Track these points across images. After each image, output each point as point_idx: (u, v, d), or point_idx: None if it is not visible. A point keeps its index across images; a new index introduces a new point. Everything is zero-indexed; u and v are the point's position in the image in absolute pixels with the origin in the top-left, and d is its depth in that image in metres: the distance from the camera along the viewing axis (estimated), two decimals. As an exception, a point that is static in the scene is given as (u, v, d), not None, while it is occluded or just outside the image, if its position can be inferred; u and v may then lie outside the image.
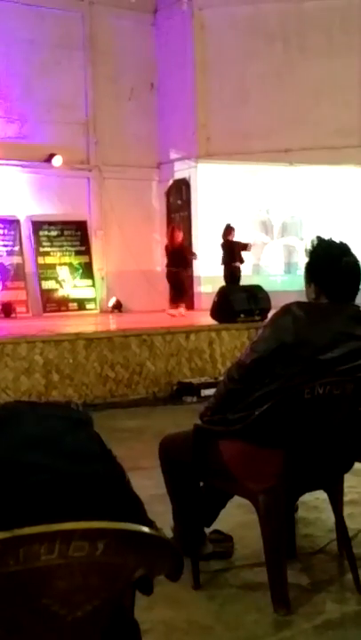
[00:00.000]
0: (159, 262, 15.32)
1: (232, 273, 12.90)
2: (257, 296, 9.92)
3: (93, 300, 14.79)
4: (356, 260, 3.30)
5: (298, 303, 3.27)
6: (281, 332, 3.16)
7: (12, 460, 1.42)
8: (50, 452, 1.45)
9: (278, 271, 14.68)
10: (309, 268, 3.33)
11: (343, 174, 14.84)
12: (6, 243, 14.25)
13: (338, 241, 3.32)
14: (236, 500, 3.67)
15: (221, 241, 13.07)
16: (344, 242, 3.33)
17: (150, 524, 1.52)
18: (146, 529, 1.43)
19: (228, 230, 13.00)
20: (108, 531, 1.37)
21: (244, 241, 13.22)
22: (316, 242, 3.33)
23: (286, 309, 3.24)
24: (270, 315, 3.41)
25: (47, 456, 1.44)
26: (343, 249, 3.31)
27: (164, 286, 15.16)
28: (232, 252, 12.93)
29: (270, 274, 14.65)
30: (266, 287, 10.63)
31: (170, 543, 1.49)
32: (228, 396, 3.29)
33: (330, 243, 3.32)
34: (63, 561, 1.34)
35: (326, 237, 3.34)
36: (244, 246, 13.12)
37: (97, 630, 1.46)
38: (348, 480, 4.47)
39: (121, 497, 1.49)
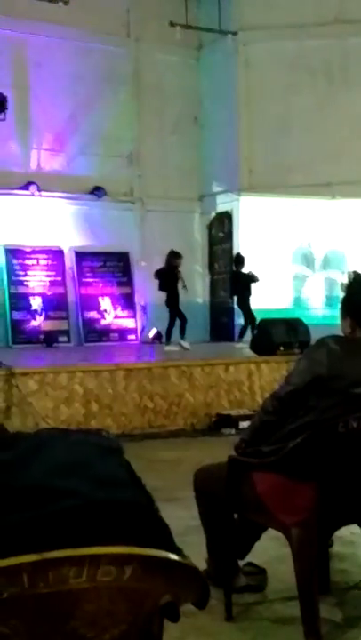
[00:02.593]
0: (200, 294, 15.38)
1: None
2: (297, 329, 9.92)
3: (134, 330, 14.88)
4: (391, 295, 3.32)
5: (333, 337, 3.30)
6: (316, 365, 3.18)
7: (43, 485, 1.46)
8: (80, 477, 1.49)
9: (319, 304, 14.65)
10: (345, 302, 3.36)
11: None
12: (50, 273, 14.44)
13: (374, 275, 3.35)
14: (271, 532, 3.66)
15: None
16: (380, 276, 3.36)
17: (178, 551, 1.54)
18: (173, 555, 1.46)
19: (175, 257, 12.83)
20: (135, 556, 1.40)
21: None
22: (352, 276, 3.36)
23: (321, 343, 3.26)
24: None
25: (77, 482, 1.48)
26: (379, 283, 3.33)
27: (204, 318, 15.25)
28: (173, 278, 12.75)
29: (311, 307, 14.62)
30: (306, 320, 10.62)
31: (197, 570, 1.52)
32: (263, 427, 3.31)
33: (366, 277, 3.35)
34: (91, 584, 1.37)
35: (362, 272, 3.37)
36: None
37: (124, 654, 1.48)
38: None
39: (149, 523, 1.52)
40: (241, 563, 3.81)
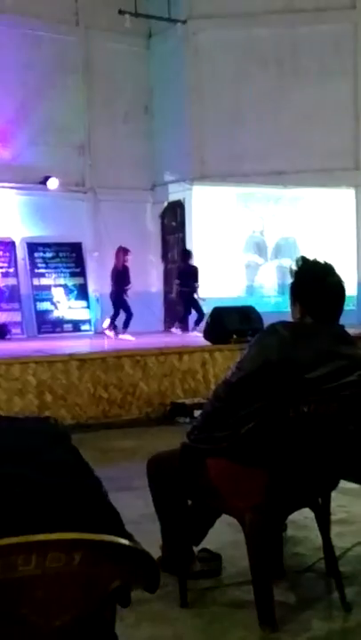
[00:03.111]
0: (154, 284, 15.37)
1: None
2: (250, 317, 9.98)
3: (88, 321, 14.82)
4: (340, 281, 3.35)
5: (283, 322, 3.32)
6: (266, 350, 3.20)
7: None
8: (27, 464, 1.49)
9: (272, 292, 14.75)
10: (294, 288, 3.38)
11: (336, 196, 14.95)
12: (1, 264, 14.29)
13: (322, 261, 3.37)
14: (226, 518, 3.69)
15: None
16: (329, 262, 3.38)
17: (128, 536, 1.55)
18: (122, 540, 1.46)
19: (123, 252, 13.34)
20: (84, 542, 1.40)
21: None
22: (300, 262, 3.37)
23: (271, 329, 3.29)
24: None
25: (24, 468, 1.47)
26: (328, 269, 3.35)
27: (158, 308, 15.25)
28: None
29: (264, 295, 14.72)
30: (259, 308, 10.68)
31: (146, 554, 1.52)
32: (215, 414, 3.32)
33: (315, 263, 3.37)
34: (40, 572, 1.37)
35: (311, 258, 3.39)
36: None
37: (74, 638, 1.48)
38: (338, 499, 4.51)
39: (98, 509, 1.52)
40: (196, 549, 3.83)
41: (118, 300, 13.37)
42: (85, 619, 1.48)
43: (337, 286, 3.34)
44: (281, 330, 3.25)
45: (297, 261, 3.38)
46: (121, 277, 13.34)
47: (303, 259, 3.38)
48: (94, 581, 1.45)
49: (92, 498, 1.53)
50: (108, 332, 13.37)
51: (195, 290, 13.69)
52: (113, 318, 13.47)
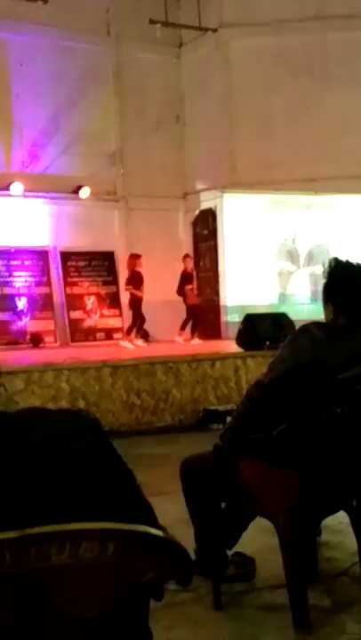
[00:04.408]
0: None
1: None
2: (282, 324, 9.94)
3: (120, 329, 14.87)
4: (373, 281, 3.33)
5: (316, 323, 3.31)
6: (299, 351, 3.19)
7: (24, 462, 1.46)
8: (60, 454, 1.50)
9: (304, 299, 14.68)
10: (327, 289, 3.37)
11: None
12: (35, 273, 14.41)
13: (355, 262, 3.36)
14: (260, 523, 3.67)
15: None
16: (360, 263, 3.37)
17: (161, 528, 1.55)
18: (155, 531, 1.46)
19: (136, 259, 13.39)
20: (117, 532, 1.40)
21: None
22: (333, 263, 3.36)
23: (304, 329, 3.27)
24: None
25: (58, 458, 1.48)
26: (360, 270, 3.34)
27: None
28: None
29: (297, 302, 14.66)
30: (292, 315, 10.64)
31: (180, 546, 1.52)
32: (247, 415, 3.32)
33: (347, 263, 3.36)
34: (73, 561, 1.37)
35: (343, 259, 3.38)
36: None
37: (108, 633, 1.48)
38: (372, 504, 4.46)
39: (131, 500, 1.52)
40: (229, 553, 3.82)
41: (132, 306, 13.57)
42: (119, 610, 1.48)
43: (370, 286, 3.32)
44: (314, 330, 3.23)
45: (330, 262, 3.36)
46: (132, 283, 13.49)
47: (336, 259, 3.37)
48: (127, 572, 1.45)
49: (124, 489, 1.53)
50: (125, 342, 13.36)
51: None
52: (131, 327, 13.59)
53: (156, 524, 1.53)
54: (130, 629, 1.56)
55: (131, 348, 12.69)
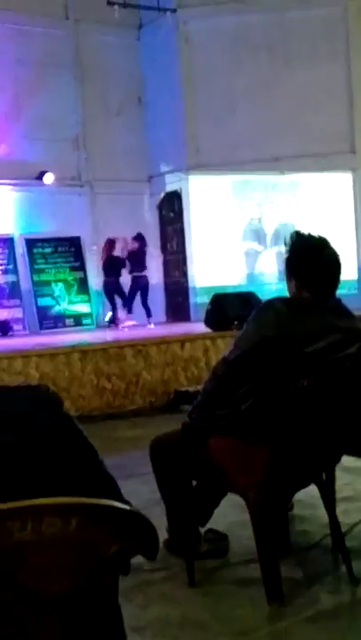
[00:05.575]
0: (154, 275, 15.35)
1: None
2: (251, 303, 9.92)
3: (90, 315, 14.82)
4: (335, 253, 3.33)
5: (279, 298, 3.31)
6: (263, 326, 3.19)
7: (-18, 440, 1.45)
8: (20, 430, 1.48)
9: (272, 279, 14.72)
10: (289, 263, 3.36)
11: (333, 180, 14.92)
12: (1, 261, 14.29)
13: (317, 235, 3.36)
14: (232, 499, 3.69)
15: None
16: (323, 236, 3.37)
17: (125, 502, 1.54)
18: (118, 504, 1.45)
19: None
20: (80, 506, 1.40)
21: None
22: (295, 236, 3.36)
23: (268, 304, 3.28)
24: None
25: (17, 434, 1.47)
26: (323, 242, 3.34)
27: (160, 299, 15.24)
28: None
29: (265, 282, 14.70)
30: (261, 295, 10.65)
31: (144, 519, 1.52)
32: (214, 392, 3.32)
33: (309, 237, 3.35)
34: (36, 537, 1.36)
35: (305, 232, 3.37)
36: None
37: (75, 608, 1.48)
38: (343, 477, 4.51)
39: (93, 475, 1.51)
40: (202, 530, 3.84)
41: (109, 290, 13.82)
42: (85, 585, 1.48)
43: (333, 259, 3.32)
44: (278, 305, 3.24)
45: (291, 236, 3.36)
46: (107, 269, 13.80)
47: (297, 233, 3.37)
48: (92, 546, 1.45)
49: (85, 463, 1.53)
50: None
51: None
52: (113, 311, 13.78)
53: (119, 498, 1.53)
54: (97, 605, 1.56)
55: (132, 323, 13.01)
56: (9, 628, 1.41)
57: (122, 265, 13.76)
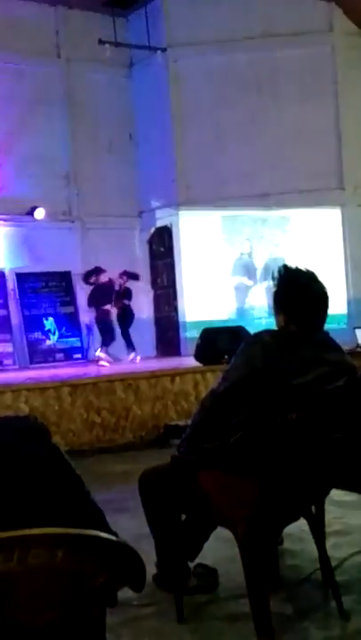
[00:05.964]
0: (144, 309, 15.38)
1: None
2: (240, 337, 9.94)
3: (80, 349, 14.80)
4: (323, 287, 3.36)
5: (267, 331, 3.33)
6: (251, 359, 3.21)
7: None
8: (6, 460, 1.49)
9: (262, 313, 14.76)
10: (277, 297, 3.38)
11: (322, 216, 15.04)
12: (-9, 296, 14.30)
13: (305, 269, 3.38)
14: (221, 534, 3.68)
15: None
16: (311, 270, 3.40)
17: (112, 533, 1.54)
18: (105, 535, 1.46)
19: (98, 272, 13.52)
20: (66, 536, 1.40)
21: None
22: (283, 270, 3.38)
23: (255, 337, 3.30)
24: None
25: (4, 464, 1.47)
26: (310, 276, 3.36)
27: (150, 333, 15.25)
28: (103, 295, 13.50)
29: (255, 317, 14.73)
30: (251, 329, 10.64)
31: (132, 550, 1.52)
32: (203, 425, 3.32)
33: (297, 270, 3.38)
34: (23, 568, 1.36)
35: (293, 266, 3.40)
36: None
37: (62, 639, 1.47)
38: (333, 511, 4.51)
39: (79, 505, 1.52)
40: (191, 565, 3.81)
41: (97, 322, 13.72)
42: (72, 616, 1.47)
43: (320, 293, 3.34)
44: (265, 338, 3.26)
45: (279, 270, 3.38)
46: (92, 299, 13.64)
47: (285, 267, 3.39)
48: (79, 577, 1.45)
49: (72, 494, 1.53)
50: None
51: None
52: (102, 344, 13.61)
53: (106, 529, 1.53)
54: (84, 636, 1.55)
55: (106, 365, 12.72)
56: (-5, 660, 1.40)
57: (112, 292, 13.61)
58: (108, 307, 13.57)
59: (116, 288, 13.75)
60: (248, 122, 14.42)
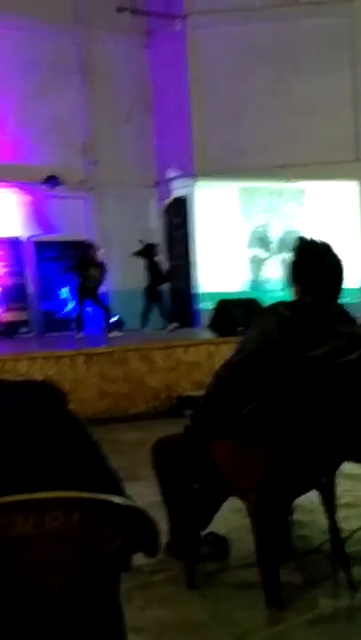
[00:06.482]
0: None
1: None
2: (254, 309, 9.96)
3: (94, 318, 14.81)
4: (338, 259, 3.35)
5: (282, 302, 3.33)
6: (267, 330, 3.21)
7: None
8: (23, 425, 1.50)
9: (277, 286, 14.73)
10: (293, 268, 3.38)
11: (339, 188, 14.94)
12: (8, 264, 14.34)
13: (320, 240, 3.38)
14: (233, 504, 3.70)
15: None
16: (326, 241, 3.39)
17: (128, 498, 1.56)
18: (121, 499, 1.47)
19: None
20: (82, 500, 1.42)
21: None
22: (299, 242, 3.37)
23: (271, 309, 3.30)
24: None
25: (20, 429, 1.49)
26: (326, 248, 3.35)
27: (164, 304, 15.23)
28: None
29: (269, 289, 14.71)
30: (265, 302, 10.64)
31: (147, 515, 1.54)
32: (217, 395, 3.34)
33: (312, 242, 3.37)
34: (38, 531, 1.38)
35: (308, 238, 3.39)
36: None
37: (75, 603, 1.50)
38: (344, 484, 4.52)
39: (96, 470, 1.53)
40: (202, 534, 3.85)
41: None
42: (85, 581, 1.50)
43: (336, 264, 3.33)
44: (281, 309, 3.25)
45: (295, 241, 3.38)
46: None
47: (301, 238, 3.39)
48: (93, 542, 1.47)
49: (88, 458, 1.55)
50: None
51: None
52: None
53: (122, 494, 1.55)
54: (97, 601, 1.58)
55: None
56: (8, 621, 1.43)
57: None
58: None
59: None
60: (266, 93, 14.30)
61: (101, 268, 12.90)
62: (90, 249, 12.97)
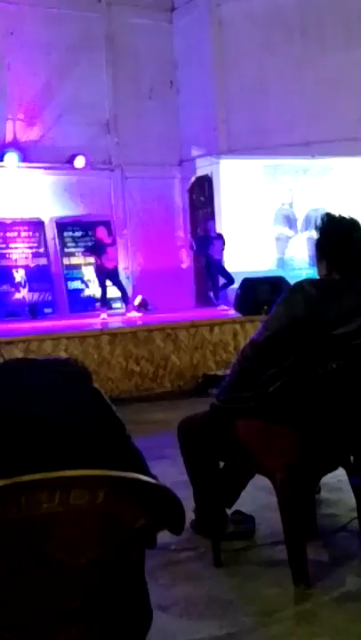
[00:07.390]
0: (184, 260, 15.35)
1: None
2: (280, 287, 9.90)
3: (119, 298, 14.84)
4: (365, 235, 3.31)
5: (309, 280, 3.30)
6: (293, 308, 3.19)
7: (12, 412, 1.46)
8: (49, 403, 1.50)
9: (303, 264, 14.65)
10: (320, 245, 3.35)
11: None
12: (31, 245, 14.36)
13: (347, 216, 3.34)
14: (259, 482, 3.69)
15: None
16: (354, 217, 3.35)
17: (152, 476, 1.55)
18: (145, 477, 1.47)
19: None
20: (107, 478, 1.41)
21: None
22: (325, 218, 3.34)
23: (298, 286, 3.27)
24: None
25: (46, 407, 1.48)
26: (354, 224, 3.32)
27: (189, 283, 15.23)
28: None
29: (295, 267, 14.62)
30: (291, 280, 10.58)
31: (171, 493, 1.53)
32: (243, 374, 3.32)
33: (340, 218, 3.34)
34: (64, 508, 1.38)
35: (336, 214, 3.36)
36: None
37: (101, 579, 1.49)
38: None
39: (121, 448, 1.53)
40: (229, 512, 3.85)
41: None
42: (111, 557, 1.49)
43: (363, 240, 3.30)
44: (307, 287, 3.23)
45: (322, 218, 3.34)
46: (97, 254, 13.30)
47: (328, 214, 3.35)
48: (118, 519, 1.46)
49: (114, 437, 1.54)
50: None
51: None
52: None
53: (146, 473, 1.54)
54: (123, 577, 1.57)
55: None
56: (36, 596, 1.43)
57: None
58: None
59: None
60: (292, 68, 14.11)
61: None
62: (103, 231, 13.04)
